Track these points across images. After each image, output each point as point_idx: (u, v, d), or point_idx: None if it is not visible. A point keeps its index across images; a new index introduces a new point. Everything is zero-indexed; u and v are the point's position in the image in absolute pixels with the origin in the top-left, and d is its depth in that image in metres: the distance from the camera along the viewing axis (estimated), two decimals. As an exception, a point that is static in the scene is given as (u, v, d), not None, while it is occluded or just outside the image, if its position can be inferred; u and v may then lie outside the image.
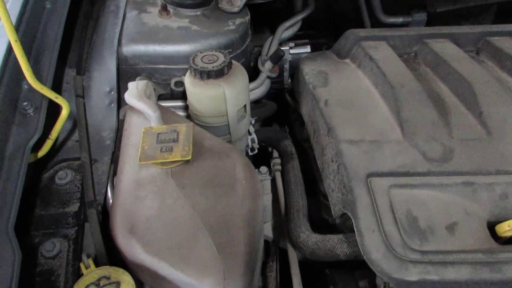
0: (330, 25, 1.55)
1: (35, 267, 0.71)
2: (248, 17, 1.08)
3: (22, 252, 0.65)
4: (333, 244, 0.73)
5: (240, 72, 0.87)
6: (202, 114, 0.88)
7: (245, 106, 0.90)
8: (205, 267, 0.65)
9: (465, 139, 0.78)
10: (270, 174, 1.01)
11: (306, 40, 1.39)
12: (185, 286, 0.66)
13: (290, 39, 1.35)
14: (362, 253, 0.65)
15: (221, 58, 0.84)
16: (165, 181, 0.74)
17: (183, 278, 0.65)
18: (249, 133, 1.01)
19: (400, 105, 0.82)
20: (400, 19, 1.48)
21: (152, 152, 0.73)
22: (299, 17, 1.28)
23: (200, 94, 0.85)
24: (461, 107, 0.86)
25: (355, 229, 0.67)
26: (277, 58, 1.07)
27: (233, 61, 0.88)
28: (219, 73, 0.82)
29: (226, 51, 0.99)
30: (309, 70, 1.00)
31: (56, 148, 0.85)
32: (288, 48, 1.34)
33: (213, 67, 0.82)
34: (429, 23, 1.49)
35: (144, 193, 0.74)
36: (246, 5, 1.10)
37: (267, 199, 0.98)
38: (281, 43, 1.32)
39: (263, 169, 1.01)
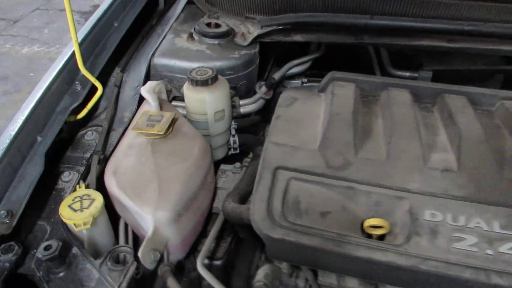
0: (345, 69, 1.81)
1: (55, 184, 1.09)
2: (254, 51, 1.40)
3: (51, 174, 1.03)
4: (242, 211, 1.00)
5: (222, 85, 1.20)
6: (190, 111, 1.22)
7: (223, 110, 1.22)
8: (147, 200, 0.96)
9: (366, 158, 1.00)
10: (242, 169, 1.30)
11: (319, 79, 1.67)
12: (134, 212, 0.98)
13: (306, 75, 1.66)
14: (250, 215, 0.91)
15: (209, 73, 1.18)
16: (145, 147, 1.08)
17: (133, 206, 0.97)
18: (233, 136, 1.32)
19: (328, 127, 1.07)
20: (407, 74, 1.68)
21: (141, 126, 1.09)
22: (307, 58, 1.58)
23: (190, 96, 1.19)
24: (381, 137, 1.07)
25: (251, 199, 0.93)
26: (269, 84, 1.38)
27: (220, 77, 1.21)
28: (204, 83, 1.16)
29: (228, 72, 1.34)
30: (285, 95, 1.28)
31: (93, 117, 1.26)
32: (300, 81, 1.65)
33: (200, 78, 1.16)
34: (435, 81, 1.66)
35: (130, 152, 1.08)
36: (257, 42, 1.43)
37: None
38: (294, 77, 1.63)
39: (237, 164, 1.30)
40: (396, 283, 0.87)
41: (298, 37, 1.39)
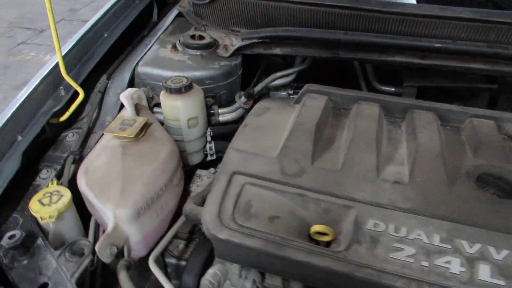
0: (332, 83, 1.84)
1: (33, 181, 1.16)
2: (236, 62, 1.45)
3: (30, 171, 1.11)
4: (198, 212, 1.04)
5: (196, 93, 1.26)
6: (165, 117, 1.28)
7: (197, 117, 1.28)
8: (109, 198, 1.02)
9: (321, 168, 1.03)
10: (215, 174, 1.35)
11: None
12: (98, 209, 1.04)
13: (293, 87, 1.70)
14: (201, 215, 0.95)
15: (183, 82, 1.24)
16: (117, 149, 1.15)
17: (97, 203, 1.03)
18: (209, 142, 1.37)
19: (289, 136, 1.11)
20: (392, 89, 1.70)
21: (113, 129, 1.15)
22: (291, 70, 1.62)
23: (165, 103, 1.25)
24: (341, 148, 1.11)
25: (206, 201, 0.98)
26: (248, 94, 1.43)
27: (196, 86, 1.28)
28: (177, 91, 1.22)
29: (208, 82, 1.40)
30: (259, 105, 1.33)
31: (77, 120, 1.34)
32: (286, 93, 1.69)
33: (174, 86, 1.22)
34: (420, 97, 1.68)
35: (103, 153, 1.15)
36: (239, 54, 1.49)
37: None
38: (280, 88, 1.67)
39: (211, 169, 1.35)
40: (334, 289, 0.90)
41: (277, 50, 1.44)
